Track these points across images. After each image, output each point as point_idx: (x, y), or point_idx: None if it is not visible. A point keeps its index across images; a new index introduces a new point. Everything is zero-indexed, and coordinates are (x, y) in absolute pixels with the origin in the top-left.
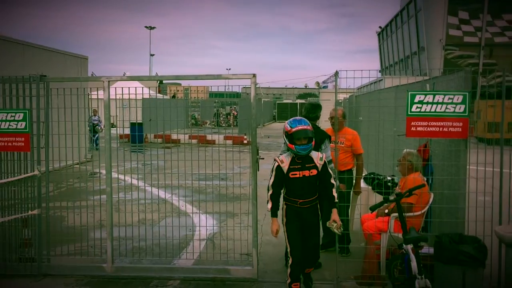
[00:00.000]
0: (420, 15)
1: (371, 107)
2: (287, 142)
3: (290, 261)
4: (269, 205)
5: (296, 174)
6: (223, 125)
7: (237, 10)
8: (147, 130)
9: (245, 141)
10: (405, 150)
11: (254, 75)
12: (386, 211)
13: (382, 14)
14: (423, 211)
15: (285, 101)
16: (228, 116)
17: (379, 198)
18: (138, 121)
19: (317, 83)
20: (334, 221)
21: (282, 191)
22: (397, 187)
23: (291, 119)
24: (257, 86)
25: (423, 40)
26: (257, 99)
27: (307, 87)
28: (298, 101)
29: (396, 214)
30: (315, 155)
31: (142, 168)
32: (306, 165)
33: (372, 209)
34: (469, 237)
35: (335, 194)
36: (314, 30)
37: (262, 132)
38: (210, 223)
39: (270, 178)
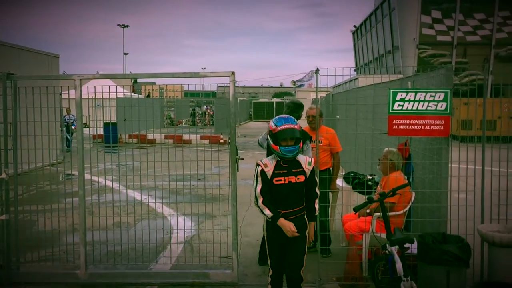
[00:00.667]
0: (394, 14)
1: (349, 105)
2: (271, 143)
3: (270, 272)
4: (267, 212)
5: (281, 180)
6: (199, 124)
7: (210, 8)
8: (121, 130)
9: (221, 141)
10: (386, 148)
11: (233, 73)
12: (368, 211)
13: (356, 14)
14: (405, 210)
15: (261, 100)
16: (204, 116)
17: (360, 197)
18: (112, 121)
19: (293, 82)
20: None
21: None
22: (378, 186)
23: (276, 116)
24: (238, 84)
25: (397, 39)
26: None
27: (283, 86)
28: (275, 100)
29: (379, 214)
30: (302, 159)
31: (117, 169)
32: (293, 170)
33: (356, 209)
34: (452, 236)
35: (316, 206)
36: (288, 29)
37: (238, 131)
38: (187, 226)
39: (256, 185)
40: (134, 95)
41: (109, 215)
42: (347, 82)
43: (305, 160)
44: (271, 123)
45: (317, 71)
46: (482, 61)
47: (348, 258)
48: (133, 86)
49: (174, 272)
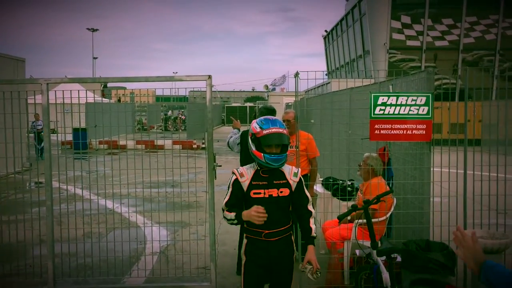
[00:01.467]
0: (365, 19)
1: (324, 109)
2: (252, 148)
3: None
4: (231, 215)
5: (260, 193)
6: (171, 129)
7: (180, 12)
8: (91, 136)
9: (195, 146)
10: (366, 154)
11: (210, 77)
12: (349, 218)
13: (326, 19)
14: (386, 216)
15: (234, 104)
16: (176, 120)
17: (340, 203)
18: (81, 127)
19: (266, 86)
20: (309, 263)
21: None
22: (359, 192)
23: (261, 117)
24: (212, 88)
25: (368, 43)
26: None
27: (255, 90)
28: (248, 104)
29: (360, 221)
30: (287, 168)
31: (87, 176)
32: (275, 182)
33: (341, 218)
34: (436, 243)
35: (312, 226)
36: (259, 34)
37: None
38: (162, 235)
39: (225, 195)
40: (105, 100)
41: (78, 226)
42: (319, 86)
43: (290, 170)
44: (255, 125)
45: (297, 74)
46: (452, 66)
47: (329, 267)
48: (103, 91)
49: (148, 285)
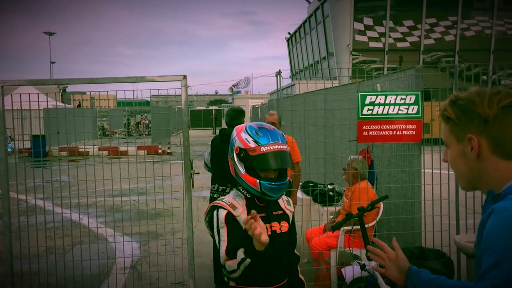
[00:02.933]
0: (328, 21)
1: (296, 111)
2: (240, 170)
3: None
4: (237, 259)
5: None
6: (134, 134)
7: (141, 17)
8: (51, 143)
9: (160, 151)
10: (350, 156)
11: (185, 77)
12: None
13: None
14: (375, 222)
15: (198, 108)
16: (139, 125)
17: (318, 208)
18: (40, 133)
19: (231, 88)
20: None
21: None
22: (344, 197)
23: (251, 124)
24: (188, 89)
25: (331, 45)
26: (168, 106)
27: (218, 93)
28: (213, 107)
29: (348, 228)
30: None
31: (47, 185)
32: (274, 213)
33: (335, 228)
34: (431, 251)
35: (301, 277)
36: (221, 37)
37: (176, 141)
38: (131, 248)
39: (219, 242)
40: (64, 105)
41: (40, 240)
42: (284, 88)
43: (282, 198)
44: (246, 137)
45: (279, 72)
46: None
47: (317, 279)
48: (62, 96)
49: None
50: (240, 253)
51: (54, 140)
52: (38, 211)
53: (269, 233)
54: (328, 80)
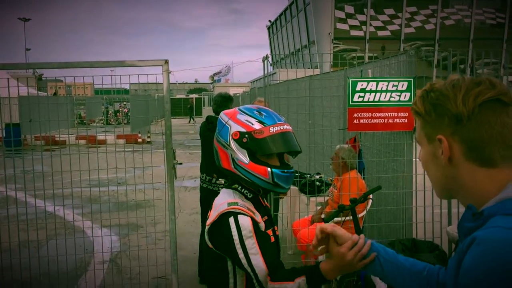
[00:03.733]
0: (309, 9)
1: (278, 98)
2: (244, 160)
3: None
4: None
5: (271, 234)
6: (113, 123)
7: (118, 5)
8: (26, 132)
9: (139, 140)
10: (338, 145)
11: (167, 61)
12: (323, 216)
13: (268, 10)
14: (364, 213)
15: (178, 96)
16: (118, 114)
17: (304, 199)
18: (13, 122)
19: (212, 77)
20: None
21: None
22: (332, 188)
23: (248, 106)
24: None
25: (312, 33)
26: (147, 94)
27: (198, 82)
28: (193, 96)
29: (338, 219)
30: None
31: (21, 176)
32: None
33: (327, 220)
34: (424, 243)
35: None
36: (201, 26)
37: (156, 128)
38: (110, 240)
39: (249, 256)
40: (40, 93)
41: (13, 233)
42: (265, 76)
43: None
44: (243, 118)
45: (266, 57)
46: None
47: None
48: (38, 83)
49: None
50: (302, 283)
51: (29, 129)
52: (11, 202)
53: (273, 240)
54: (309, 68)
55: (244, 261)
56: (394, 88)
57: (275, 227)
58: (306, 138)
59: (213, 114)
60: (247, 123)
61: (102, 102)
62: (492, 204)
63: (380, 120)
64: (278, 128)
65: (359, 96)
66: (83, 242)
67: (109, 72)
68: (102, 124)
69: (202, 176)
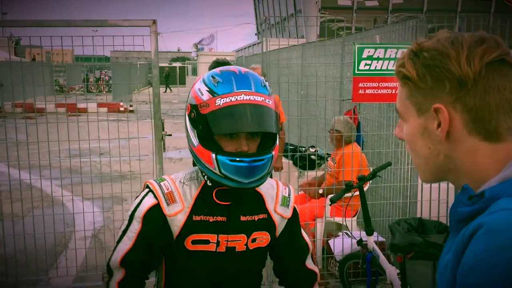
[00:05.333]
0: None
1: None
2: (194, 142)
3: None
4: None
5: (206, 241)
6: (94, 91)
7: None
8: (3, 99)
9: (122, 108)
10: (335, 117)
11: (155, 22)
12: (321, 191)
13: None
14: (365, 189)
15: (161, 64)
16: (99, 81)
17: (308, 174)
18: None
19: (195, 45)
20: None
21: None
22: (331, 162)
23: (215, 70)
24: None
25: (299, 2)
26: (129, 62)
27: (180, 50)
28: (177, 64)
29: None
30: (268, 187)
31: None
32: (242, 219)
33: (334, 200)
34: (431, 223)
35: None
36: None
37: (138, 97)
38: (92, 214)
39: (120, 239)
40: (17, 58)
41: None
42: (250, 46)
43: (275, 192)
44: (198, 86)
45: (265, 20)
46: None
47: None
48: (15, 48)
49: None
50: None
51: (9, 95)
52: None
53: (222, 249)
54: (295, 38)
55: (118, 236)
56: None
57: (241, 236)
58: (297, 109)
59: None
60: (198, 93)
61: (82, 69)
62: (495, 184)
63: (387, 91)
64: (228, 100)
65: (366, 64)
66: (63, 216)
67: (91, 33)
68: (82, 92)
69: None
